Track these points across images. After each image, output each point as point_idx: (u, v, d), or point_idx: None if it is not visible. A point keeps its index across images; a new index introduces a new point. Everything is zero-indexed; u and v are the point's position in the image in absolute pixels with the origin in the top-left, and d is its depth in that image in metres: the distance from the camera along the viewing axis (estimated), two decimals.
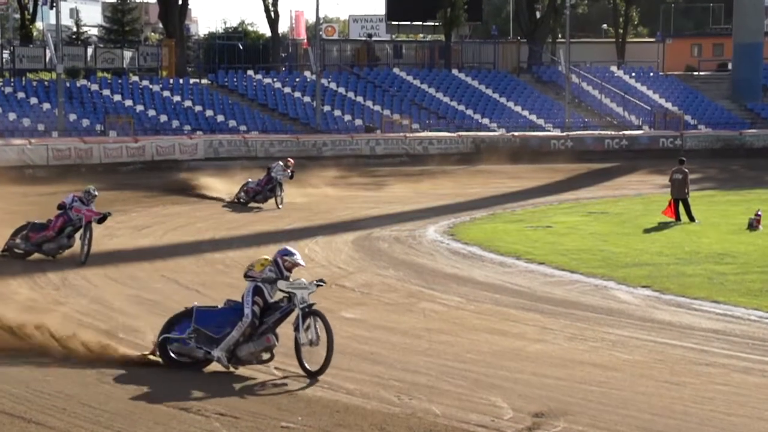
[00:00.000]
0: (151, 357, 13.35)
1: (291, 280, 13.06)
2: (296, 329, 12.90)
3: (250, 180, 33.10)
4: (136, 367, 13.21)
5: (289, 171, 33.01)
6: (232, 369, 13.03)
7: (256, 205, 32.44)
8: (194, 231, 27.42)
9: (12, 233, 21.94)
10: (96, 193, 22.03)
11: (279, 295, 13.16)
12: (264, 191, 32.48)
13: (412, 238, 26.00)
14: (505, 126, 52.33)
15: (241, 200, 32.79)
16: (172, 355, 13.20)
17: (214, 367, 13.13)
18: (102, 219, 21.70)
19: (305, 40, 70.99)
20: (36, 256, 21.74)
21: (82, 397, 12.00)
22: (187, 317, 13.26)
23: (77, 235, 21.61)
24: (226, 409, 11.66)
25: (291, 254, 13.21)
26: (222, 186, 35.24)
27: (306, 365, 12.89)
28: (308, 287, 12.98)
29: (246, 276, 13.17)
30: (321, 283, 13.20)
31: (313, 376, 12.76)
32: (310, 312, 12.91)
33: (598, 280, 20.33)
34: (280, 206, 32.03)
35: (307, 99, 51.79)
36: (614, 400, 12.31)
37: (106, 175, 38.98)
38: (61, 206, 21.63)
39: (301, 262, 13.28)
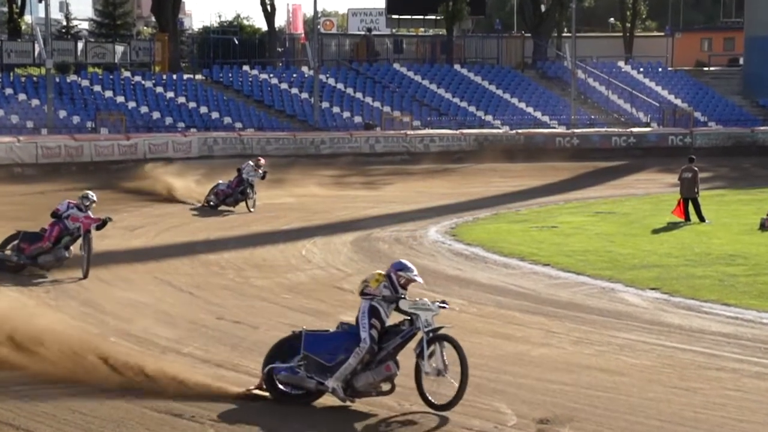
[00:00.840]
0: (258, 392, 12.31)
1: (409, 299, 12.02)
2: (419, 356, 11.83)
3: (220, 182, 31.97)
4: (244, 401, 12.19)
5: (260, 171, 31.91)
6: (348, 402, 12.01)
7: (226, 208, 31.37)
8: (188, 231, 27.43)
9: (0, 244, 20.71)
10: (94, 198, 20.83)
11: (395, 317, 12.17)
12: (235, 194, 31.41)
13: (412, 238, 26.01)
14: (509, 123, 52.33)
15: (211, 203, 31.64)
16: (280, 386, 12.13)
17: (326, 399, 12.11)
18: (101, 225, 20.54)
19: (303, 35, 71.04)
20: None
21: (72, 403, 11.99)
22: (294, 342, 12.18)
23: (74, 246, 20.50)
24: (221, 416, 11.67)
25: (407, 269, 12.11)
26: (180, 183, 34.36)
27: (429, 397, 11.83)
28: (432, 308, 11.87)
29: (362, 294, 12.05)
30: (444, 306, 12.06)
31: (438, 411, 11.74)
32: (435, 337, 11.85)
33: (604, 282, 20.33)
34: (252, 209, 31.06)
35: (304, 95, 51.79)
36: (622, 407, 12.32)
37: (97, 174, 38.99)
38: (54, 214, 20.50)
39: (419, 278, 12.20)
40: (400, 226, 28.28)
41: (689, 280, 20.19)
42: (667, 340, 15.72)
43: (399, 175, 42.75)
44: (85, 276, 19.99)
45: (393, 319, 12.17)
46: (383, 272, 12.19)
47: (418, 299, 12.07)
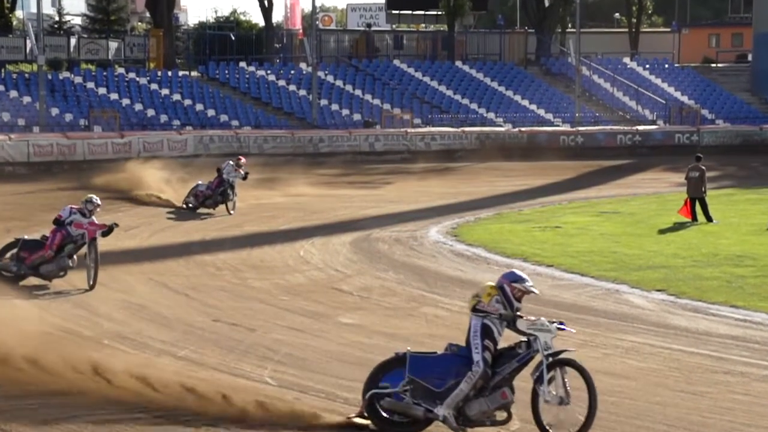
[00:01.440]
0: (358, 420, 11.58)
1: (526, 318, 11.36)
2: (538, 381, 11.17)
3: (200, 183, 31.22)
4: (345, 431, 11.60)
5: (241, 171, 31.25)
6: None
7: (206, 211, 30.72)
8: (183, 232, 27.43)
9: None
10: (98, 202, 19.98)
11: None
12: (215, 195, 30.72)
13: (413, 239, 26.00)
14: (512, 121, 52.35)
15: (190, 205, 30.98)
16: (383, 413, 11.36)
17: (436, 428, 11.40)
18: (108, 232, 19.74)
19: (301, 30, 70.99)
20: None
21: (64, 409, 11.95)
22: (397, 366, 11.38)
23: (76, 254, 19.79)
24: (218, 419, 11.65)
25: (521, 280, 11.40)
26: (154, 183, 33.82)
27: (548, 429, 11.21)
28: (552, 330, 11.18)
29: (475, 310, 11.24)
30: (562, 327, 11.39)
31: None
32: (556, 362, 11.18)
33: (609, 283, 20.33)
34: (232, 212, 30.47)
35: (302, 92, 51.80)
36: (627, 411, 12.32)
37: (90, 173, 38.91)
38: (56, 221, 19.61)
39: (535, 289, 11.49)
40: (400, 226, 28.27)
41: (696, 282, 20.19)
42: (673, 343, 15.72)
43: (399, 174, 42.72)
44: (92, 287, 19.24)
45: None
46: (494, 284, 11.46)
47: (534, 319, 11.39)
